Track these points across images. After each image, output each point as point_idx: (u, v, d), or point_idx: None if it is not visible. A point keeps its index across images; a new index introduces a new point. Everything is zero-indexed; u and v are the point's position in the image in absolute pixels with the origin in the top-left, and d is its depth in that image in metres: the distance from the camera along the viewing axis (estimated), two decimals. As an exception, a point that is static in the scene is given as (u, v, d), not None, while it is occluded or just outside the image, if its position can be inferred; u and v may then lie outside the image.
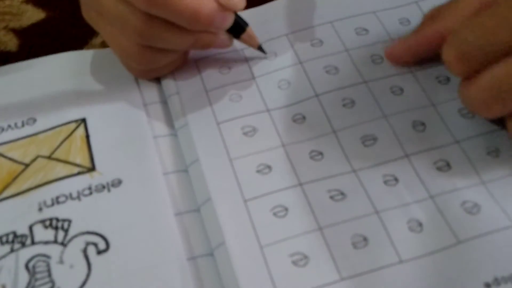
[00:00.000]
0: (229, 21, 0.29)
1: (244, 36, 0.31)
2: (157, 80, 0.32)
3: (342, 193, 0.26)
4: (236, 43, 0.32)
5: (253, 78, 0.31)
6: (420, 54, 0.31)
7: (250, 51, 0.32)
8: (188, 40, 0.29)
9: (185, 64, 0.32)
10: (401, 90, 0.30)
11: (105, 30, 0.30)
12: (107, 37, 0.30)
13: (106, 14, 0.28)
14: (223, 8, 0.28)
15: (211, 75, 0.32)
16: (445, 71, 0.30)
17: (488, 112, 0.25)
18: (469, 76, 0.25)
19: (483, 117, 0.28)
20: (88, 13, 0.30)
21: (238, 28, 0.30)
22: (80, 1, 0.30)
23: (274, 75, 0.31)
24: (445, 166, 0.27)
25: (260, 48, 0.32)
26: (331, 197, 0.26)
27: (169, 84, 0.32)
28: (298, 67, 0.31)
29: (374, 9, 0.34)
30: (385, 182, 0.27)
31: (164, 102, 0.32)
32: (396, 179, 0.27)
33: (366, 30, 0.33)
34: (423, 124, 0.29)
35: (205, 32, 0.29)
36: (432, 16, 0.31)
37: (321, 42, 0.32)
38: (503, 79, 0.24)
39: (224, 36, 0.30)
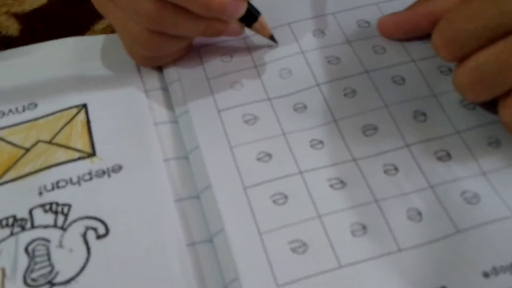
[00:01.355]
0: (242, 9, 0.28)
1: (256, 25, 0.30)
2: (159, 67, 0.32)
3: (341, 182, 0.26)
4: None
5: (255, 66, 0.31)
6: (410, 31, 0.31)
7: (253, 39, 0.32)
8: (199, 27, 0.29)
9: (189, 52, 0.32)
10: (403, 79, 0.30)
11: (114, 15, 0.29)
12: (115, 22, 0.30)
13: None
14: None
15: (213, 63, 0.32)
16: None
17: (474, 96, 0.26)
18: (460, 61, 0.26)
19: (470, 101, 0.28)
20: None
21: (250, 17, 0.30)
22: None
23: (276, 64, 0.31)
24: (445, 156, 0.27)
25: (271, 38, 0.32)
26: (331, 186, 0.26)
27: (170, 71, 0.31)
28: (300, 57, 0.31)
29: (377, 1, 0.33)
30: (385, 172, 0.27)
31: (165, 89, 0.32)
32: (396, 169, 0.27)
33: (368, 22, 0.33)
34: (424, 114, 0.29)
35: (216, 19, 0.28)
36: None
37: (323, 32, 0.32)
38: (486, 63, 0.24)
39: (235, 24, 0.30)
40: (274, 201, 0.26)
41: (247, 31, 0.32)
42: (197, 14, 0.28)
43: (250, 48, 0.32)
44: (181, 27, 0.28)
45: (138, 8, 0.27)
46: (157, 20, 0.28)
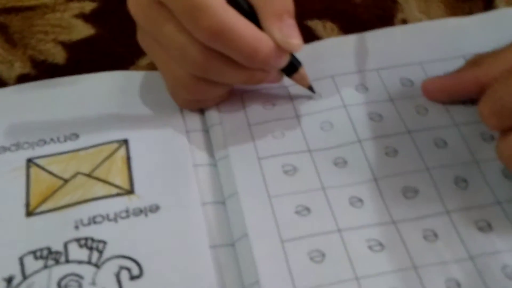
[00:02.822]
0: (285, 61, 0.29)
1: (296, 75, 0.31)
2: (201, 108, 0.33)
3: (380, 244, 0.26)
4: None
5: (297, 116, 0.32)
6: (455, 95, 0.31)
7: (295, 89, 0.33)
8: (242, 76, 0.29)
9: (230, 96, 0.32)
10: (445, 143, 0.30)
11: (160, 57, 0.30)
12: (160, 64, 0.31)
13: (165, 42, 0.28)
14: (281, 48, 0.28)
15: (255, 109, 0.32)
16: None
17: None
18: (504, 131, 0.26)
19: None
20: (144, 38, 0.31)
21: (291, 68, 0.30)
22: (137, 26, 0.31)
23: (318, 116, 0.31)
24: (486, 227, 0.27)
25: (310, 88, 0.32)
26: (369, 247, 0.26)
27: (212, 114, 0.32)
28: (342, 111, 0.32)
29: (421, 60, 0.34)
30: (425, 237, 0.26)
31: (206, 130, 0.32)
32: (435, 235, 0.27)
33: (411, 81, 0.33)
34: (465, 180, 0.28)
35: (259, 69, 0.29)
36: (474, 62, 0.31)
37: (366, 88, 0.33)
38: None
39: (275, 73, 0.31)
40: (311, 258, 0.26)
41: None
42: (241, 64, 0.28)
43: (292, 97, 0.33)
44: (225, 75, 0.29)
45: (184, 53, 0.28)
46: (202, 67, 0.28)
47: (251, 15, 0.28)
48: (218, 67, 0.28)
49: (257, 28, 0.28)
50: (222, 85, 0.30)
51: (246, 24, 0.27)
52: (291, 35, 0.28)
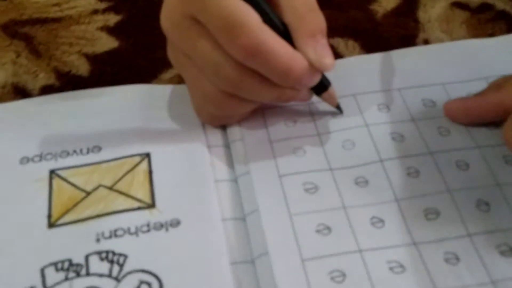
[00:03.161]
0: (317, 80, 0.29)
1: (325, 94, 0.31)
2: (222, 123, 0.33)
3: (401, 266, 0.26)
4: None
5: (318, 134, 0.32)
6: (477, 117, 0.31)
7: (316, 106, 0.33)
8: (273, 94, 0.29)
9: (253, 113, 0.32)
10: (467, 165, 0.30)
11: (189, 72, 0.30)
12: (189, 78, 0.31)
13: (198, 58, 0.29)
14: (313, 68, 0.28)
15: (276, 126, 0.32)
16: (513, 152, 0.30)
17: None
18: None
19: None
20: (173, 53, 0.31)
21: (321, 86, 0.31)
22: (167, 40, 0.31)
23: (339, 134, 0.32)
24: (508, 251, 0.27)
25: (338, 107, 0.32)
26: (391, 269, 0.26)
27: (234, 129, 0.32)
28: (364, 130, 0.32)
29: (443, 81, 0.34)
30: (446, 260, 0.26)
31: (227, 146, 0.32)
32: (457, 258, 0.26)
33: (433, 102, 0.33)
34: (487, 204, 0.28)
35: (290, 87, 0.29)
36: (498, 85, 0.31)
37: (387, 107, 0.33)
38: None
39: (305, 92, 0.31)
40: (332, 278, 0.26)
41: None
42: (274, 82, 0.28)
43: (314, 114, 0.33)
44: (257, 92, 0.29)
45: (218, 70, 0.28)
46: (235, 84, 0.28)
47: (285, 33, 0.28)
48: (251, 85, 0.28)
49: (292, 47, 0.28)
50: (251, 102, 0.30)
51: (281, 43, 0.27)
52: (324, 55, 0.28)
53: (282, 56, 0.27)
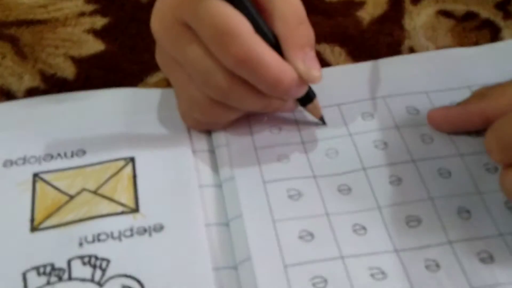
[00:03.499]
0: (304, 91, 0.30)
1: (310, 105, 0.32)
2: (208, 128, 0.33)
3: (383, 272, 0.26)
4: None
5: (302, 142, 0.32)
6: (460, 126, 0.32)
7: (301, 115, 0.33)
8: (260, 104, 0.30)
9: (237, 119, 0.32)
10: (449, 173, 0.30)
11: (177, 77, 0.30)
12: (176, 83, 0.31)
13: (188, 64, 0.29)
14: (301, 79, 0.28)
15: (261, 133, 0.32)
16: (494, 161, 0.30)
17: None
18: (509, 165, 0.26)
19: None
20: (162, 56, 0.31)
21: (307, 98, 0.31)
22: (156, 44, 0.31)
23: (323, 143, 0.32)
24: (488, 258, 0.27)
25: (321, 119, 0.32)
26: (372, 275, 0.26)
27: (219, 135, 0.32)
28: (347, 139, 0.32)
29: (426, 90, 0.34)
30: (427, 267, 0.27)
31: (212, 151, 0.32)
32: (437, 265, 0.27)
33: (417, 110, 0.33)
34: (468, 211, 0.29)
35: (277, 98, 0.30)
36: (480, 94, 0.32)
37: (371, 116, 0.33)
38: None
39: (291, 102, 0.31)
40: (314, 284, 0.26)
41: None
42: (262, 92, 0.29)
43: (299, 123, 0.33)
44: (244, 101, 0.29)
45: (207, 78, 0.28)
46: (224, 92, 0.28)
47: (275, 44, 0.29)
48: (239, 94, 0.29)
49: (281, 58, 0.28)
50: (237, 110, 0.30)
51: (272, 53, 0.28)
52: (313, 67, 0.29)
53: (272, 66, 0.27)
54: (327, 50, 0.38)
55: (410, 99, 0.34)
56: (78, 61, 0.38)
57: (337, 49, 0.38)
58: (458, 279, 0.26)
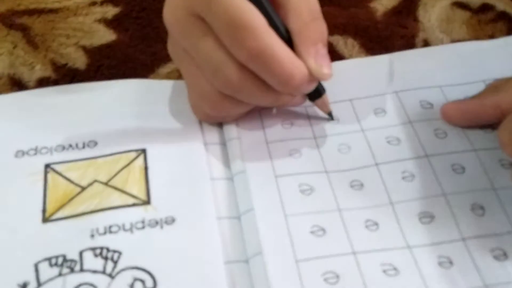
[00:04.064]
0: (313, 87, 0.29)
1: (318, 101, 0.31)
2: (219, 121, 0.33)
3: (395, 269, 0.26)
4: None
5: (314, 137, 0.32)
6: (474, 120, 0.31)
7: (314, 109, 0.33)
8: (270, 99, 0.29)
9: (249, 112, 0.32)
10: (463, 168, 0.30)
11: (189, 69, 0.30)
12: (188, 76, 0.31)
13: (200, 57, 0.28)
14: (312, 75, 0.28)
15: (273, 127, 0.32)
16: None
17: None
18: None
19: None
20: (174, 48, 0.31)
21: (316, 93, 0.31)
22: (168, 35, 0.31)
23: (335, 138, 0.31)
24: (502, 256, 0.27)
25: (329, 114, 0.32)
26: (384, 271, 0.26)
27: (231, 128, 0.32)
28: (360, 134, 0.32)
29: (440, 84, 0.34)
30: (440, 264, 0.26)
31: (224, 144, 0.32)
32: (451, 262, 0.26)
33: (430, 104, 0.33)
34: (482, 208, 0.28)
35: (287, 93, 0.29)
36: (495, 87, 0.31)
37: (384, 111, 0.33)
38: None
39: (300, 97, 0.31)
40: (326, 280, 0.26)
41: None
42: (272, 87, 0.28)
43: (310, 117, 0.33)
44: (254, 96, 0.29)
45: (218, 71, 0.28)
46: (234, 86, 0.28)
47: (287, 39, 0.28)
48: (249, 88, 0.28)
49: (294, 54, 0.28)
50: (246, 104, 0.30)
51: (285, 49, 0.27)
52: (324, 65, 0.28)
53: (285, 62, 0.27)
54: (340, 42, 0.38)
55: (424, 93, 0.33)
56: (90, 51, 0.38)
57: (350, 41, 0.38)
58: (471, 276, 0.26)
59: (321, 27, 0.29)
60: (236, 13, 0.26)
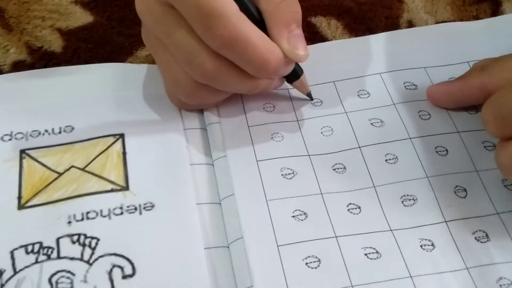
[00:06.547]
0: (290, 69, 0.29)
1: (296, 82, 0.31)
2: (200, 104, 0.32)
3: (377, 252, 0.26)
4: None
5: (297, 120, 0.31)
6: (460, 101, 0.31)
7: (296, 92, 0.32)
8: (247, 86, 0.29)
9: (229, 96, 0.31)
10: (446, 150, 0.30)
11: (162, 58, 0.29)
12: (162, 64, 0.30)
13: (173, 46, 0.28)
14: (288, 58, 0.28)
15: (255, 110, 0.31)
16: (493, 138, 0.29)
17: None
18: (506, 139, 0.25)
19: None
20: (148, 36, 0.30)
21: (293, 75, 0.30)
22: (142, 23, 0.30)
23: (318, 121, 0.31)
24: (483, 237, 0.27)
25: (308, 94, 0.32)
26: (366, 255, 0.26)
27: (211, 112, 0.31)
28: (343, 116, 0.31)
29: (425, 65, 0.33)
30: (422, 246, 0.26)
31: (204, 129, 0.31)
32: (433, 245, 0.26)
33: (415, 85, 0.32)
34: (464, 190, 0.28)
35: (264, 78, 0.29)
36: (481, 67, 0.31)
37: (368, 93, 0.32)
38: None
39: (277, 80, 0.30)
40: (307, 264, 0.26)
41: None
42: (248, 74, 0.28)
43: (293, 100, 0.32)
44: (230, 84, 0.28)
45: (192, 59, 0.27)
46: (209, 74, 0.27)
47: (261, 22, 0.28)
48: (224, 76, 0.27)
49: (268, 37, 0.27)
50: (223, 92, 0.29)
51: (258, 33, 0.27)
52: (298, 46, 0.27)
53: (259, 47, 0.26)
54: (323, 23, 0.37)
55: (408, 74, 0.33)
56: (66, 34, 0.36)
57: (333, 22, 0.37)
58: (453, 259, 0.26)
59: (293, 7, 0.28)
60: (205, 0, 0.25)
